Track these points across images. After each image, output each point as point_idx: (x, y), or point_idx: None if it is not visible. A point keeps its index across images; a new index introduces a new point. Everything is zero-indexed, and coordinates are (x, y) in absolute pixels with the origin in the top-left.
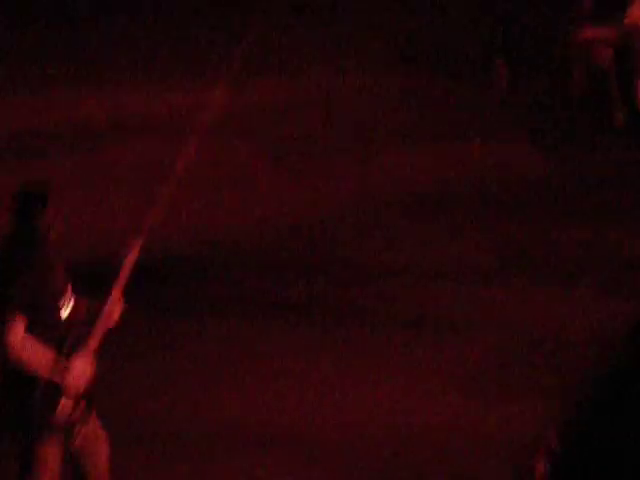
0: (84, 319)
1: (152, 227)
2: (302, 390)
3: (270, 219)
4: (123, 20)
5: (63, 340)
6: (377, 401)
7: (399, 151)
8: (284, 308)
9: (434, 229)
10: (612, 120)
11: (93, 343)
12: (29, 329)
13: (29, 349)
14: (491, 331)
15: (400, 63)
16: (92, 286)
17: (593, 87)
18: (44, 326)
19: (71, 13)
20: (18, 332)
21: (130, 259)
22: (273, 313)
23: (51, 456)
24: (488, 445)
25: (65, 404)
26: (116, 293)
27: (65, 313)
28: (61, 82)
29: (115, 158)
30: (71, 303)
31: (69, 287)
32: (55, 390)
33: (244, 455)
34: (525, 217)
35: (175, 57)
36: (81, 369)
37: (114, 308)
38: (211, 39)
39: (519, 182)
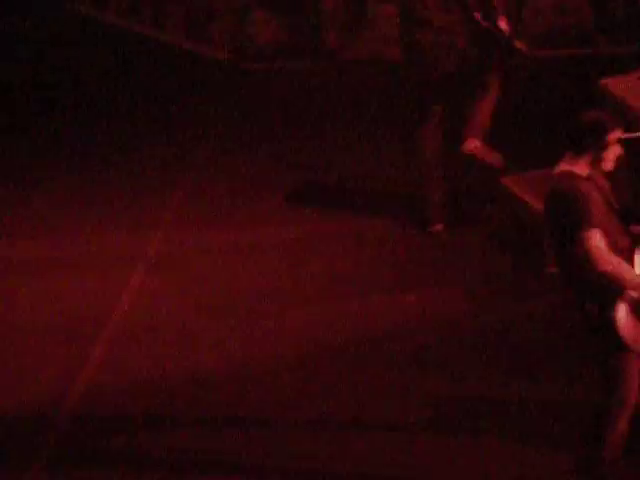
0: None
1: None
2: None
3: (204, 369)
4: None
5: None
6: None
7: (322, 303)
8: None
9: (362, 385)
10: (545, 266)
11: None
12: None
13: None
14: None
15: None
16: None
17: (524, 232)
18: None
19: None
20: None
21: None
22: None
23: None
24: None
25: None
26: None
27: None
28: None
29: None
30: None
31: None
32: None
33: None
34: (459, 372)
35: (111, 201)
36: None
37: None
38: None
39: (453, 336)
